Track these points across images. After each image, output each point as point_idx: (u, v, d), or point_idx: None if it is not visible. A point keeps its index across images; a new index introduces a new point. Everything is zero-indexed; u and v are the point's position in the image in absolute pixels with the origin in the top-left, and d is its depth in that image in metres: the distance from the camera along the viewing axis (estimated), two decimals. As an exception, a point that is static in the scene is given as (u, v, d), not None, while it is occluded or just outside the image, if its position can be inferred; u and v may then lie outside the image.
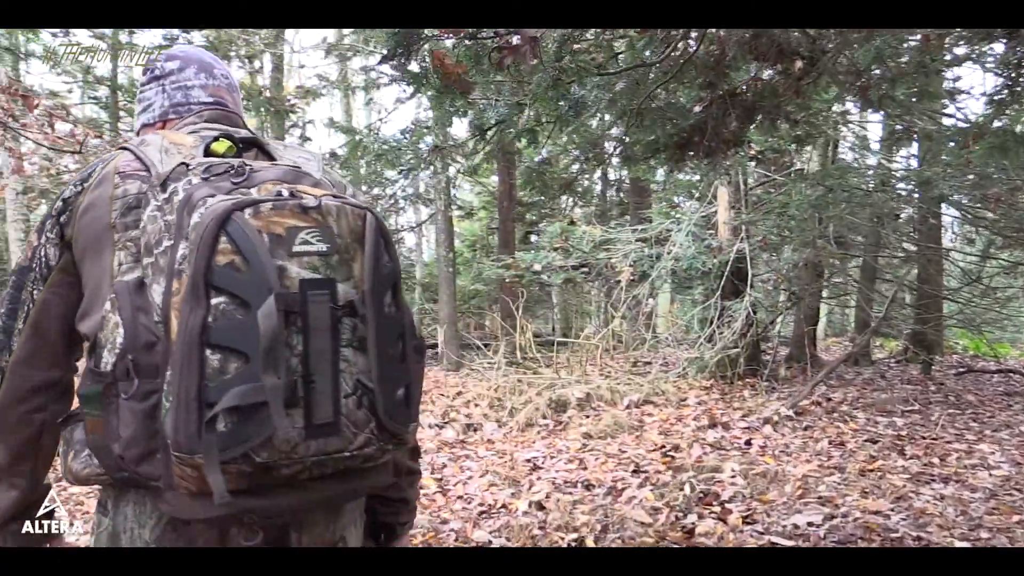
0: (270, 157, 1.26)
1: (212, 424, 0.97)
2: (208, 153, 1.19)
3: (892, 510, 4.07)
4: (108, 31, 11.62)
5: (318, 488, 1.09)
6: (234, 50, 14.46)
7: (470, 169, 17.38)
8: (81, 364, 1.24)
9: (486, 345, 10.73)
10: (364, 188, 17.45)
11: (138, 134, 1.40)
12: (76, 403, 1.17)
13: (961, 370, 9.62)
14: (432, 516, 4.42)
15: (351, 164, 16.68)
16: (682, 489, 4.54)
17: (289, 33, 16.91)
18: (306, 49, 23.80)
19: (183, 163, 1.15)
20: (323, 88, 16.25)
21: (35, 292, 1.22)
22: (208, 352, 0.98)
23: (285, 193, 1.07)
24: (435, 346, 15.00)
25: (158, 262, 1.09)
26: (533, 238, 17.28)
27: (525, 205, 18.31)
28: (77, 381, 1.20)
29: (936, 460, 5.09)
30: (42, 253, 1.22)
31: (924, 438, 5.78)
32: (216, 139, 1.22)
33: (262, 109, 14.94)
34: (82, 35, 11.54)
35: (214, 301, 1.00)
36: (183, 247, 1.04)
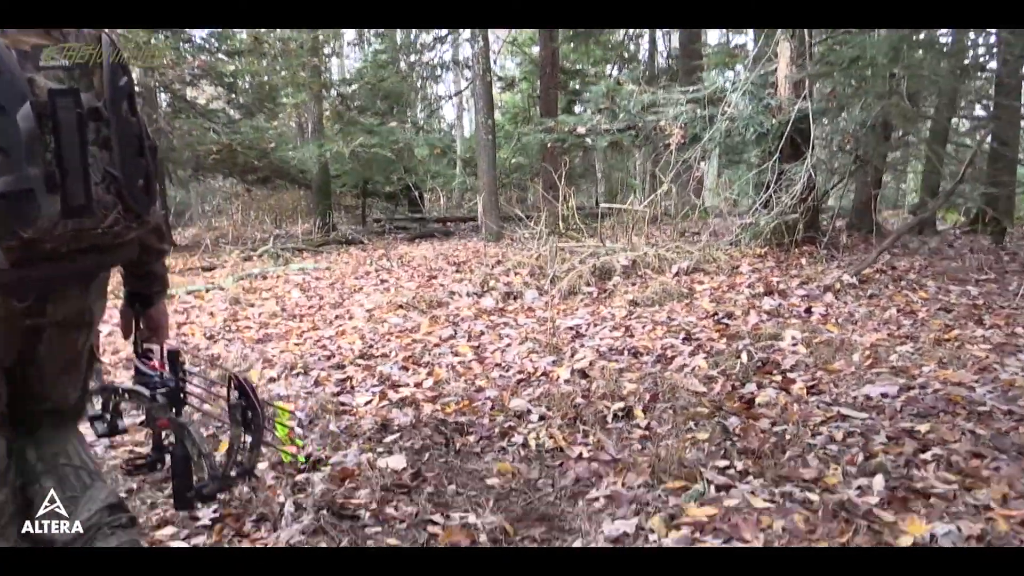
0: None
1: None
2: None
3: (976, 382, 3.66)
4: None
5: (75, 260, 1.32)
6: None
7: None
8: None
9: (528, 217, 10.28)
10: (402, 57, 16.72)
11: None
12: None
13: (1036, 240, 8.96)
14: (467, 384, 4.13)
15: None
16: (738, 357, 4.17)
17: None
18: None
19: None
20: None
21: None
22: None
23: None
24: (474, 218, 14.62)
25: None
26: (577, 108, 16.47)
27: (568, 73, 17.41)
28: None
29: (1020, 330, 4.61)
30: None
31: (1003, 308, 5.29)
32: None
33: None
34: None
35: None
36: None
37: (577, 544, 2.39)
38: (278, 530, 2.46)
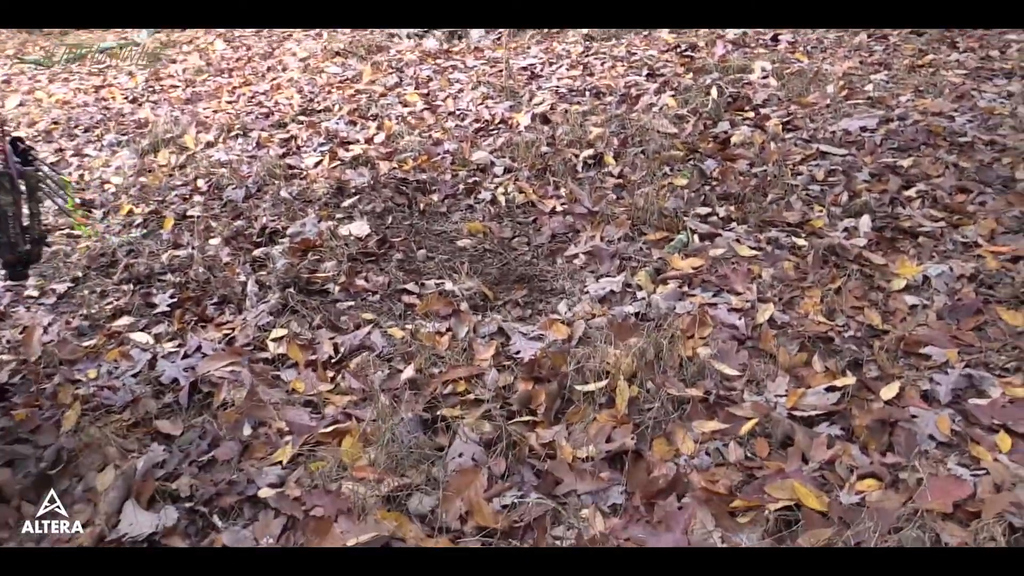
0: None
1: None
2: None
3: (955, 111, 3.52)
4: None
5: None
6: None
7: None
8: None
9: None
10: None
11: None
12: None
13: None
14: (423, 137, 3.85)
15: None
16: (708, 93, 3.93)
17: None
18: None
19: None
20: None
21: None
22: None
23: None
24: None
25: None
26: None
27: None
28: None
29: (995, 53, 4.42)
30: None
31: (976, 30, 5.04)
32: None
33: None
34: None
35: None
36: None
37: (562, 306, 2.30)
38: (244, 312, 2.31)
